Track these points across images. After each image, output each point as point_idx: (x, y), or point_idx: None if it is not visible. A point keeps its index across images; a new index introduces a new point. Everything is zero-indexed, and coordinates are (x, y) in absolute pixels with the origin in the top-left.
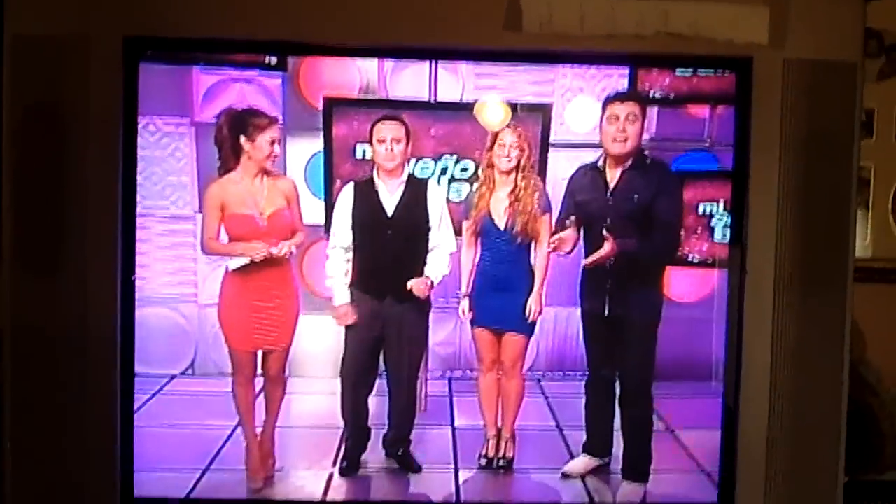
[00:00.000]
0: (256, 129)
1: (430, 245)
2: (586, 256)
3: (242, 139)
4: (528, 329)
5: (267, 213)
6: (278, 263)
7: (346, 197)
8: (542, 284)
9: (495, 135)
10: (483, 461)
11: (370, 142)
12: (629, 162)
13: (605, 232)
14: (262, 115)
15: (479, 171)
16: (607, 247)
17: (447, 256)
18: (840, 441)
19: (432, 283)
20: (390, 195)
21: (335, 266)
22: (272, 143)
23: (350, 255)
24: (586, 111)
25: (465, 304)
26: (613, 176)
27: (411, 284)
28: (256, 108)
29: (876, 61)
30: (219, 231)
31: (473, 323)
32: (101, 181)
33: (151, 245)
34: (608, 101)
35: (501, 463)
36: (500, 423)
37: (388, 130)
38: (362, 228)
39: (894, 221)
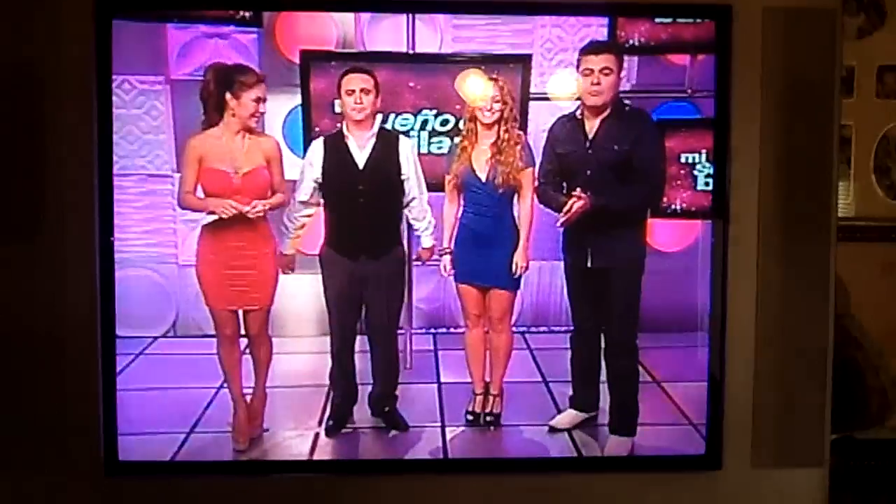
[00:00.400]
0: (243, 86)
1: (408, 197)
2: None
3: (228, 95)
4: (513, 284)
5: (242, 170)
6: (253, 222)
7: (315, 152)
8: (528, 239)
9: None
10: (470, 417)
11: (339, 94)
12: (608, 111)
13: (577, 191)
14: (250, 72)
15: (461, 125)
16: (578, 204)
17: (429, 213)
18: (826, 390)
19: (433, 245)
20: (360, 150)
21: (290, 217)
22: (258, 101)
23: (308, 210)
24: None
25: (446, 259)
26: (592, 126)
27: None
28: (244, 64)
29: (855, 19)
30: (196, 185)
31: (457, 279)
32: (76, 142)
33: (129, 206)
34: (582, 53)
35: (488, 419)
36: (487, 379)
37: (357, 82)
38: (333, 184)
39: (876, 180)
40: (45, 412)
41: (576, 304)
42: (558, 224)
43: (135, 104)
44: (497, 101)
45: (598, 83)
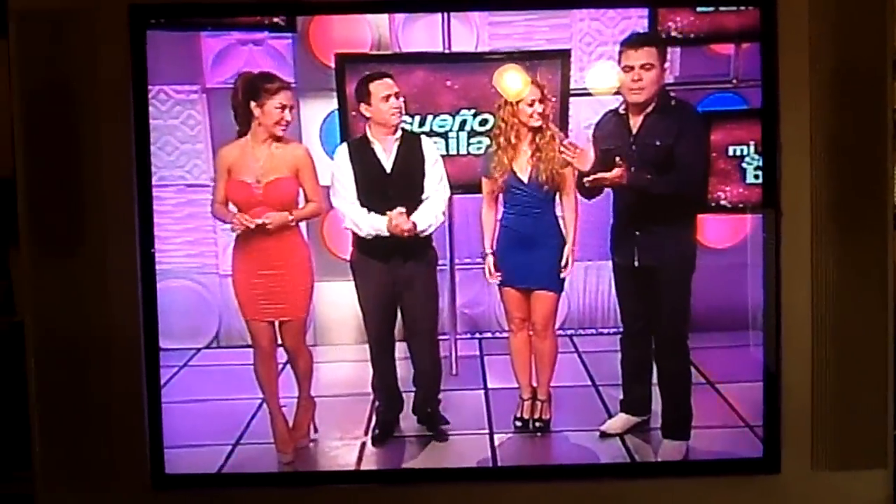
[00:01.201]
0: (266, 93)
1: (424, 195)
2: (614, 204)
3: (252, 104)
4: (557, 286)
5: (265, 181)
6: (283, 232)
7: (342, 158)
8: (575, 237)
9: None
10: (518, 423)
11: (367, 102)
12: (651, 106)
13: (617, 159)
14: (274, 79)
15: (500, 125)
16: (617, 171)
17: (440, 206)
18: (888, 387)
19: (415, 224)
20: (387, 154)
21: (355, 215)
22: (282, 108)
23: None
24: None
25: (490, 262)
26: (636, 121)
27: (392, 215)
28: (268, 72)
29: None
30: (226, 195)
31: (501, 282)
32: (114, 153)
33: (169, 217)
34: (623, 47)
35: (537, 424)
36: (534, 383)
37: (388, 87)
38: (363, 189)
39: None
40: (91, 426)
41: (624, 304)
42: (585, 181)
43: (171, 114)
44: (540, 103)
45: (640, 79)
